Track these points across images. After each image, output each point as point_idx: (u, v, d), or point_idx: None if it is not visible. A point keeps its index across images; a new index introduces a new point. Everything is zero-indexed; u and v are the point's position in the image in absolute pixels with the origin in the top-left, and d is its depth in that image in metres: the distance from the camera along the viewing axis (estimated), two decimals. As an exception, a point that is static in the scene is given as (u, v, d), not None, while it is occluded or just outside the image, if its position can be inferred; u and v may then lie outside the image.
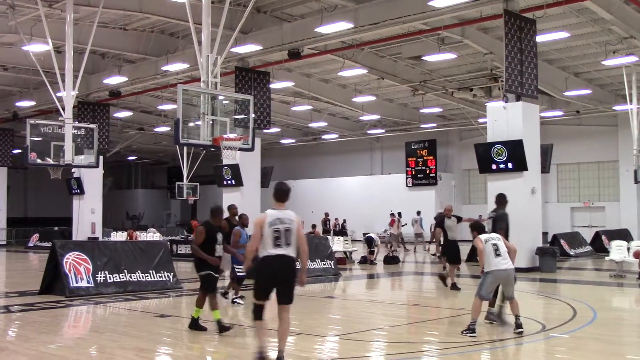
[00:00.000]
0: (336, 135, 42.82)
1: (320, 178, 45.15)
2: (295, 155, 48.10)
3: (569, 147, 34.89)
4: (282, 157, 47.36)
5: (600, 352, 8.74)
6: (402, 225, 30.69)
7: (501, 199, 11.40)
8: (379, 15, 20.29)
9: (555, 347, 9.16)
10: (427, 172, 40.17)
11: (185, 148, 33.64)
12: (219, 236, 9.91)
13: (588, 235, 29.26)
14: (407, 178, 41.06)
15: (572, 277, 19.42)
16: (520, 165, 19.26)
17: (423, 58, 25.26)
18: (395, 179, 41.87)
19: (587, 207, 36.31)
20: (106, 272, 14.47)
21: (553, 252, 20.14)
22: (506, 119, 19.62)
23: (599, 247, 26.60)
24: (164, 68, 25.86)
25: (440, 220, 15.92)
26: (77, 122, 22.24)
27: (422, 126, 38.36)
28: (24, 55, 24.34)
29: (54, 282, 14.18)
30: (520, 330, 9.36)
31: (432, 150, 40.08)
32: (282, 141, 45.35)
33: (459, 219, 16.06)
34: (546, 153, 23.95)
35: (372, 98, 32.59)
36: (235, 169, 25.95)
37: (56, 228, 38.67)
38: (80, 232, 30.11)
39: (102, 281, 14.32)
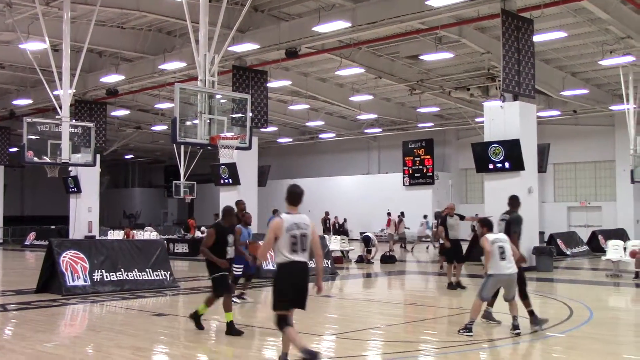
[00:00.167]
0: (333, 135, 42.84)
1: (318, 177, 45.15)
2: (293, 154, 48.10)
3: (566, 146, 34.95)
4: (279, 156, 47.35)
5: (597, 351, 8.75)
6: (406, 228, 30.74)
7: (515, 201, 10.94)
8: (376, 14, 20.29)
9: (552, 346, 9.16)
10: (424, 171, 40.21)
11: (182, 147, 33.61)
12: (230, 238, 9.75)
13: (585, 234, 29.31)
14: (404, 177, 41.09)
15: (568, 277, 19.44)
16: (517, 164, 19.27)
17: (420, 57, 25.26)
18: (393, 178, 41.91)
19: (583, 207, 36.38)
20: (103, 271, 14.46)
21: (550, 251, 20.16)
22: (503, 118, 19.63)
23: (595, 246, 26.63)
24: (161, 67, 25.84)
25: (442, 219, 15.95)
26: (74, 121, 22.21)
27: (419, 125, 38.39)
28: (21, 53, 24.31)
29: (51, 280, 14.15)
30: (517, 331, 9.37)
31: (429, 149, 40.11)
32: (279, 140, 45.35)
33: (462, 218, 16.11)
34: (543, 153, 24.00)
35: (370, 97, 32.61)
36: (232, 167, 25.95)
37: (53, 226, 38.65)
38: (77, 230, 30.06)
39: (98, 280, 14.31)
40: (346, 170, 45.16)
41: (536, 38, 19.98)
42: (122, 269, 14.77)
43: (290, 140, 45.43)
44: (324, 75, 30.39)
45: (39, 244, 32.60)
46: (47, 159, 19.88)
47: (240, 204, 13.05)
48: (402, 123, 38.54)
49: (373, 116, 36.95)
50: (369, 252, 23.27)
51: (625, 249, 18.69)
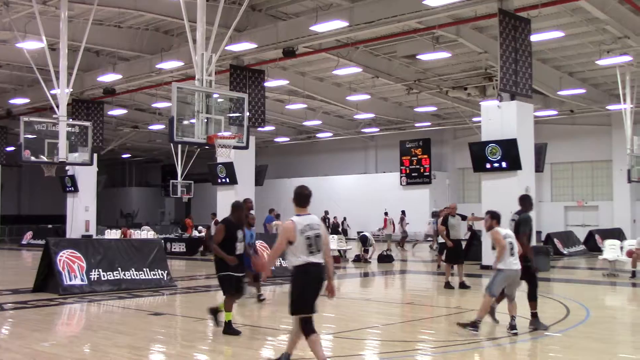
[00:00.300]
0: (330, 134, 42.83)
1: (315, 176, 45.13)
2: (290, 154, 48.09)
3: (563, 146, 34.97)
4: (277, 155, 47.33)
5: (593, 350, 8.77)
6: (406, 224, 30.76)
7: (524, 201, 10.53)
8: (373, 13, 20.29)
9: (549, 345, 9.18)
10: (422, 170, 40.22)
11: (179, 146, 33.55)
12: (240, 234, 9.62)
13: (581, 234, 29.33)
14: (401, 177, 41.10)
15: (565, 276, 19.48)
16: (514, 164, 19.29)
17: (418, 57, 25.27)
18: (390, 178, 41.92)
19: (580, 207, 36.43)
20: (100, 270, 14.46)
21: (546, 251, 20.20)
22: (500, 118, 19.65)
23: (592, 246, 26.68)
24: (159, 66, 25.81)
25: (444, 219, 15.96)
26: (71, 120, 22.22)
27: (417, 125, 38.40)
28: (18, 52, 24.24)
29: (48, 280, 14.14)
30: (514, 331, 9.37)
31: (427, 149, 40.12)
32: (276, 139, 45.32)
33: (464, 218, 16.11)
34: (540, 152, 23.99)
35: (367, 97, 32.60)
36: (229, 167, 25.93)
37: (50, 226, 38.59)
38: (74, 229, 30.02)
39: (95, 279, 14.30)
40: (343, 170, 45.16)
41: (533, 38, 19.99)
42: (119, 269, 14.77)
43: (288, 139, 45.41)
44: (322, 75, 30.38)
45: (35, 243, 32.57)
46: (44, 158, 19.86)
47: (247, 202, 12.68)
48: (399, 122, 38.56)
49: (370, 116, 36.96)
50: (366, 251, 23.30)
51: (621, 248, 18.74)
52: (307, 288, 6.95)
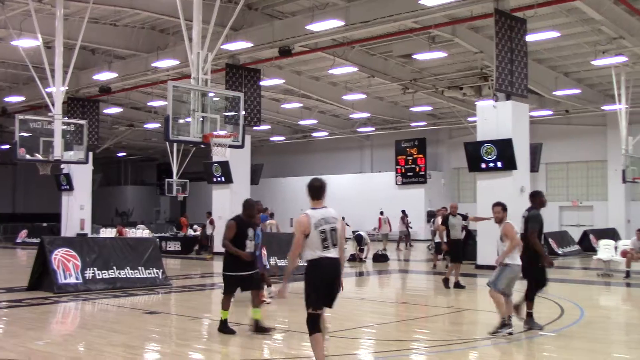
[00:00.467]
0: (326, 133, 42.83)
1: (310, 176, 44.73)
2: (285, 153, 48.07)
3: (558, 146, 35.03)
4: (272, 154, 47.31)
5: (587, 350, 8.80)
6: (410, 224, 30.77)
7: (534, 198, 10.23)
8: (369, 13, 20.30)
9: (543, 345, 9.21)
10: (417, 170, 40.25)
11: (175, 145, 33.56)
12: (250, 232, 9.57)
13: (576, 234, 29.40)
14: (396, 176, 41.12)
15: (559, 276, 19.47)
16: (509, 164, 19.33)
17: (413, 56, 25.27)
18: (385, 177, 41.93)
19: (575, 207, 36.50)
20: (95, 269, 14.44)
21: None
22: (496, 118, 19.68)
23: (586, 246, 26.71)
24: (155, 64, 25.78)
25: (444, 218, 15.97)
26: (66, 118, 22.11)
27: (412, 124, 38.43)
28: (14, 50, 24.22)
29: (42, 278, 14.11)
30: (509, 330, 9.38)
31: (422, 148, 40.15)
32: (272, 138, 45.31)
33: (465, 217, 16.10)
34: (535, 152, 24.05)
35: (363, 96, 32.62)
36: (225, 166, 25.91)
37: (45, 224, 38.53)
38: (69, 228, 29.98)
39: (90, 278, 14.29)
40: (339, 169, 45.14)
41: (529, 38, 20.03)
42: (114, 267, 14.75)
43: (283, 138, 45.40)
44: (317, 74, 30.38)
45: (30, 241, 32.50)
46: (39, 157, 19.81)
47: (258, 204, 12.77)
48: (394, 122, 38.57)
49: (366, 115, 36.97)
50: (361, 250, 23.32)
51: (616, 248, 18.79)
52: (317, 283, 6.77)
